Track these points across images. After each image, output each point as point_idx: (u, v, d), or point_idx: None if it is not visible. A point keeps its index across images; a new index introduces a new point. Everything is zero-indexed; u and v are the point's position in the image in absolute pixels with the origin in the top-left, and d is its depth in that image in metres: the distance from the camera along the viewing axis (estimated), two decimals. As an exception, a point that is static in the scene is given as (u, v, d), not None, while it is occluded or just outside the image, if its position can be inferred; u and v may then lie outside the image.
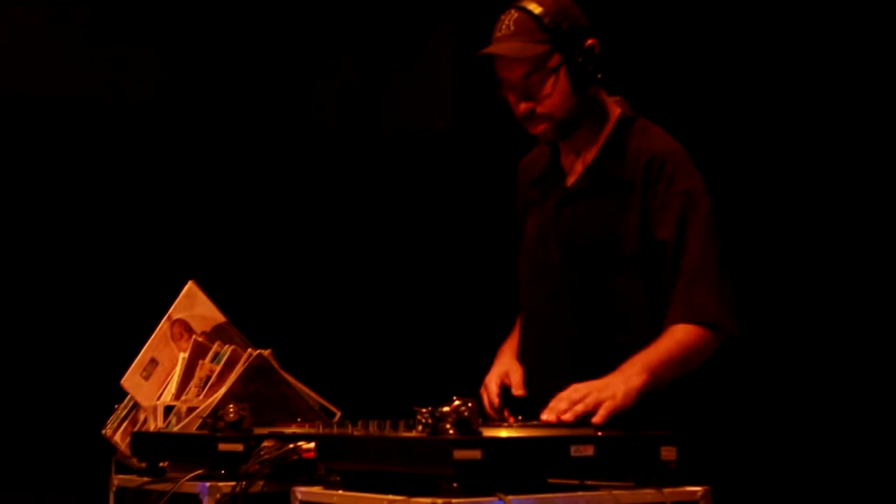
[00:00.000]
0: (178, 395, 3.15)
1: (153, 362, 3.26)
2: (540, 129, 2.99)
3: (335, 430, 2.64)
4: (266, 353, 3.10)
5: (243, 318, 3.31)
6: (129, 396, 3.29)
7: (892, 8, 4.37)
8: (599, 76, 2.97)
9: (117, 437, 3.26)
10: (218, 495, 2.60)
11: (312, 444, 2.54)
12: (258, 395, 3.02)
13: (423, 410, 2.25)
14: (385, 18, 6.03)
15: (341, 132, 6.05)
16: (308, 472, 2.57)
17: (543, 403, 2.68)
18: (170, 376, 3.23)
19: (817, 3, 4.54)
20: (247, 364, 3.07)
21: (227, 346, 3.18)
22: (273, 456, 2.57)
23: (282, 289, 5.68)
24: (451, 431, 2.21)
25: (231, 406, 2.74)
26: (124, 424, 3.28)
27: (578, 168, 3.04)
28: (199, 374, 3.15)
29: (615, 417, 2.64)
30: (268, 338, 3.19)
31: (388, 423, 2.51)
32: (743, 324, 2.89)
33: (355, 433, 2.52)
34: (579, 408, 2.63)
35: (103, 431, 3.31)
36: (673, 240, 2.90)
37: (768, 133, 4.68)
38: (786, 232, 4.61)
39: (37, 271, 5.29)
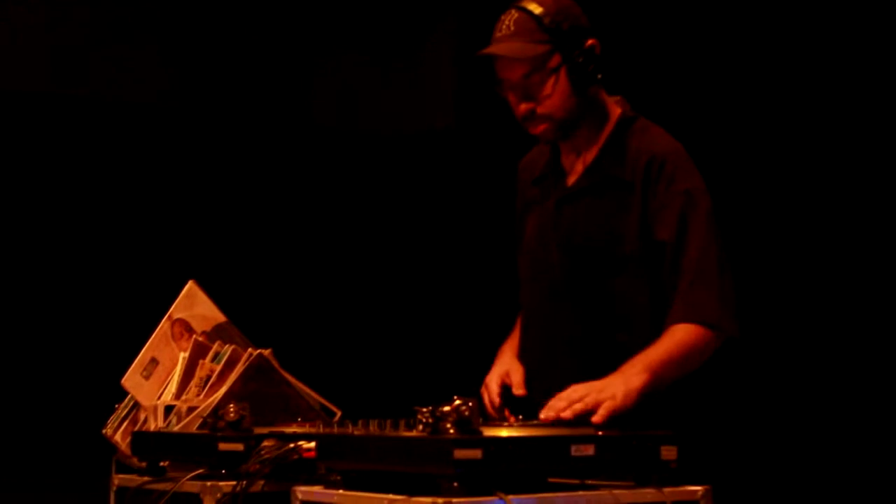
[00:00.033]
0: (178, 395, 3.16)
1: (153, 362, 3.26)
2: (540, 129, 2.99)
3: (335, 430, 2.64)
4: (266, 352, 3.10)
5: (243, 317, 3.31)
6: (129, 396, 3.29)
7: (892, 8, 4.37)
8: (600, 76, 2.97)
9: (118, 437, 3.26)
10: (218, 495, 2.60)
11: (313, 444, 2.54)
12: (258, 395, 3.02)
13: (424, 410, 2.25)
14: (385, 18, 6.03)
15: (342, 131, 6.05)
16: (308, 471, 2.57)
17: (544, 403, 2.68)
18: (170, 376, 3.23)
19: (817, 3, 4.54)
20: (247, 363, 3.07)
21: (227, 345, 3.18)
22: (273, 455, 2.57)
23: (282, 288, 5.68)
24: (451, 431, 2.21)
25: (231, 406, 2.74)
26: (125, 424, 3.28)
27: (579, 168, 3.04)
28: (200, 373, 3.15)
29: (615, 417, 2.64)
30: (268, 337, 3.19)
31: (388, 422, 2.51)
32: (743, 324, 2.89)
33: (356, 433, 2.52)
34: (578, 406, 2.63)
35: (104, 431, 3.31)
36: (673, 240, 2.90)
37: (768, 133, 4.68)
38: (786, 232, 4.61)
39: (37, 270, 5.28)
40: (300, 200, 5.84)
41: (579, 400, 2.64)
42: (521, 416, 2.90)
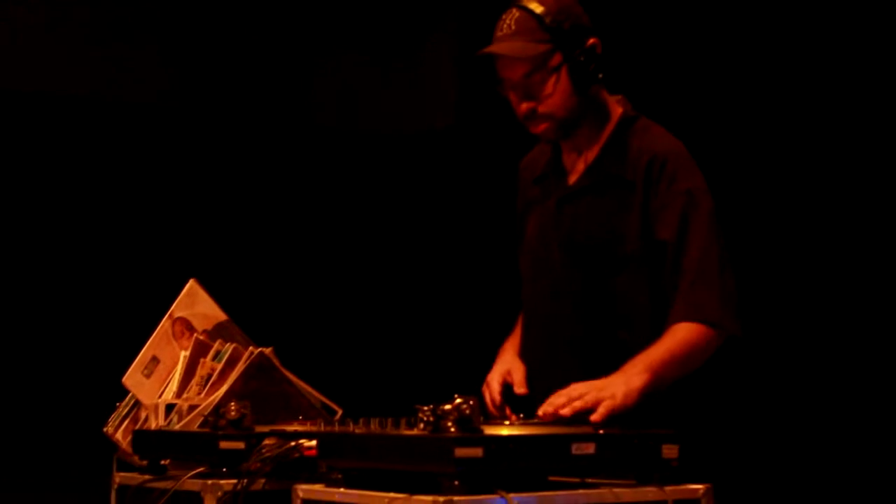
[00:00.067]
0: (179, 394, 3.16)
1: (155, 360, 3.26)
2: (541, 128, 2.99)
3: (336, 428, 2.64)
4: (267, 351, 3.10)
5: (244, 316, 3.31)
6: (130, 394, 3.30)
7: (892, 8, 4.37)
8: (601, 75, 2.97)
9: (119, 436, 3.26)
10: (219, 493, 2.61)
11: (314, 442, 2.54)
12: (259, 393, 3.02)
13: (425, 408, 2.25)
14: (385, 18, 6.03)
15: (342, 131, 6.05)
16: (309, 470, 2.58)
17: (544, 402, 2.69)
18: (171, 374, 3.23)
19: (817, 3, 4.54)
20: (248, 362, 3.07)
21: (228, 344, 3.18)
22: (274, 454, 2.57)
23: (283, 287, 5.68)
24: (452, 429, 2.21)
25: (232, 404, 2.74)
26: (126, 422, 3.28)
27: (580, 167, 3.05)
28: (201, 372, 3.15)
29: (616, 416, 2.64)
30: (269, 336, 3.19)
31: (389, 420, 2.51)
32: (744, 323, 2.89)
33: (357, 431, 2.51)
34: (578, 404, 2.63)
35: (105, 429, 3.31)
36: (674, 239, 2.89)
37: (769, 133, 4.68)
38: (787, 231, 4.62)
39: (37, 270, 5.29)
40: (300, 200, 5.84)
41: (579, 398, 2.64)
42: (522, 415, 2.90)
